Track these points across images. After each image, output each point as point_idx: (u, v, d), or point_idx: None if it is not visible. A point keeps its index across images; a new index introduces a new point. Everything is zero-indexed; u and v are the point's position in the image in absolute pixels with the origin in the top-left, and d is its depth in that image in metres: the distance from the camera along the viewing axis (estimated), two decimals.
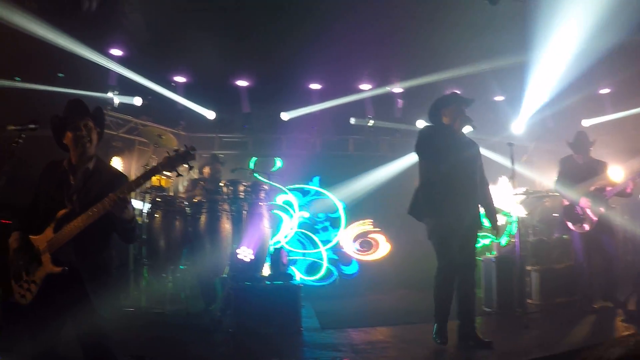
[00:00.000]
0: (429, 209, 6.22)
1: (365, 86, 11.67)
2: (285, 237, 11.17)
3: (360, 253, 11.68)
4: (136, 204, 8.92)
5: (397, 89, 11.59)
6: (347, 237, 11.70)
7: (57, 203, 3.95)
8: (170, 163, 3.95)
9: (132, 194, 3.98)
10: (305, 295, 7.67)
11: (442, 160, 6.10)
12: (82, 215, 3.78)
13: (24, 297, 3.85)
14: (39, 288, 3.82)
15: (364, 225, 11.72)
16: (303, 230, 11.62)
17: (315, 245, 11.53)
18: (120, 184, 3.96)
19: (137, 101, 10.70)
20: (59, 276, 3.77)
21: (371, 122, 12.11)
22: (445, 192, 6.07)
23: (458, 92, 6.71)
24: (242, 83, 11.40)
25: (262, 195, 8.73)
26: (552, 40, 8.93)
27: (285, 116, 11.83)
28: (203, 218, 8.23)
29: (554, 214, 9.85)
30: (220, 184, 8.74)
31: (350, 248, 11.63)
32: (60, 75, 9.32)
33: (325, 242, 11.57)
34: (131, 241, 4.33)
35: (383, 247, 11.69)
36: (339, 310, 8.91)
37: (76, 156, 4.10)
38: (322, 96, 11.60)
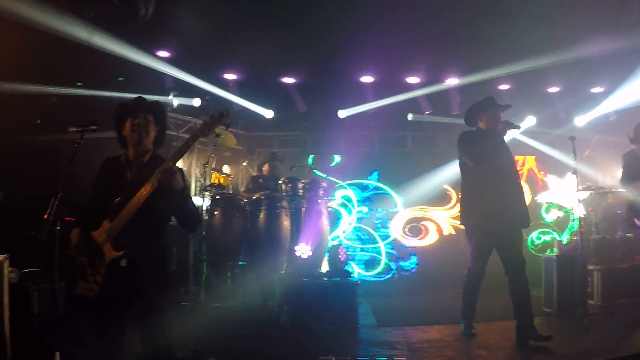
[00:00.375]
0: (474, 212, 6.38)
1: (421, 81, 11.52)
2: (344, 232, 11.23)
3: (408, 238, 11.77)
4: (196, 200, 9.13)
5: (453, 82, 11.39)
6: (399, 220, 11.79)
7: (114, 197, 3.99)
8: (207, 126, 4.01)
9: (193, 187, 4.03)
10: (362, 292, 7.69)
11: (487, 163, 6.22)
12: (134, 197, 3.84)
13: (91, 290, 3.91)
14: (104, 278, 3.86)
15: (421, 211, 11.76)
16: (362, 226, 11.67)
17: (374, 241, 11.56)
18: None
19: (196, 102, 10.94)
20: (121, 268, 3.84)
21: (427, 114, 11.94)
22: (491, 195, 6.18)
23: (493, 96, 6.70)
24: (297, 81, 11.41)
25: (321, 192, 8.79)
26: (611, 29, 8.66)
27: (342, 114, 11.83)
28: (262, 215, 8.34)
29: (617, 211, 9.55)
30: (279, 181, 8.83)
31: (398, 231, 11.72)
32: (121, 79, 9.56)
33: (384, 237, 11.59)
34: (193, 225, 4.29)
35: (432, 236, 11.83)
36: (396, 307, 8.90)
37: (132, 148, 4.17)
38: (378, 93, 11.53)
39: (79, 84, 9.08)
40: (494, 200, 6.15)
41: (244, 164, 11.71)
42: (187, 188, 4.05)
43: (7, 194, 7.37)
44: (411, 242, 11.74)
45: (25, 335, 6.08)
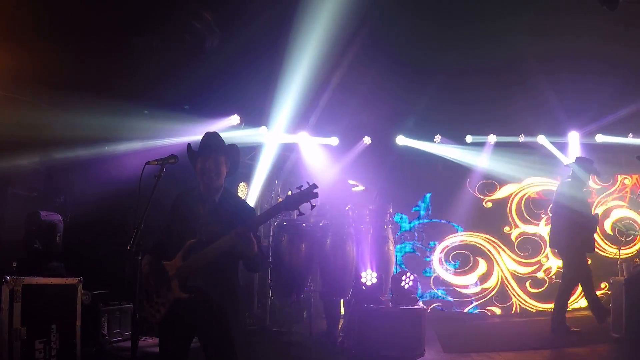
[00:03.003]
0: None
1: None
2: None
3: (452, 271, 11.39)
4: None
5: None
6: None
7: (188, 231, 4.15)
8: (293, 201, 3.97)
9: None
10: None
11: None
12: (209, 248, 3.98)
13: (154, 316, 4.11)
14: (167, 310, 4.04)
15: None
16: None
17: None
18: (247, 217, 4.13)
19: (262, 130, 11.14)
20: (188, 301, 3.99)
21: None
22: None
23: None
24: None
25: (388, 218, 8.85)
26: None
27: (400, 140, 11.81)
28: (329, 241, 8.43)
29: None
30: (346, 207, 8.92)
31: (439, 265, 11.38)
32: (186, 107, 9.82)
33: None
34: (255, 271, 4.51)
35: (482, 267, 11.40)
36: (461, 332, 8.84)
37: (204, 186, 4.30)
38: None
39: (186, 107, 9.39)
40: None
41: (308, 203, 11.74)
42: (259, 254, 4.13)
43: (76, 216, 7.66)
44: (456, 278, 11.30)
45: (96, 356, 6.35)
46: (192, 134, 8.89)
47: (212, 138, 4.36)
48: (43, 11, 6.99)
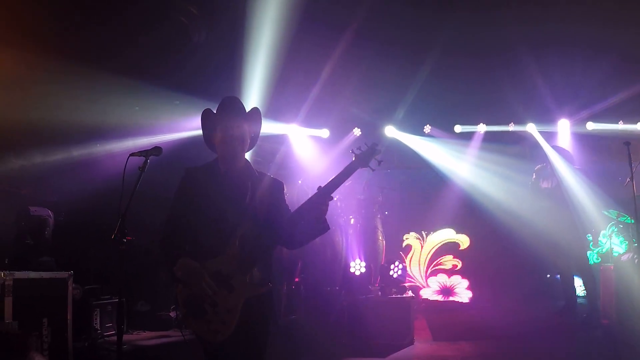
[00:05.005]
0: None
1: None
2: None
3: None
4: None
5: None
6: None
7: (223, 211, 3.47)
8: (363, 159, 3.43)
9: None
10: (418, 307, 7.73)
11: None
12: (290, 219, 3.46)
13: (217, 332, 3.31)
14: (239, 316, 3.31)
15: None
16: None
17: None
18: (279, 189, 3.69)
19: None
20: (255, 302, 3.37)
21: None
22: None
23: None
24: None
25: (377, 208, 8.86)
26: None
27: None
28: None
29: None
30: (334, 198, 8.92)
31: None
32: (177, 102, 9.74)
33: None
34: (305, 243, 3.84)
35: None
36: (451, 322, 8.86)
37: (227, 160, 3.62)
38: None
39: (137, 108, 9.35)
40: None
41: (300, 182, 11.82)
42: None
43: (69, 215, 7.67)
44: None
45: (88, 350, 6.39)
46: (183, 129, 9.11)
47: (233, 102, 3.70)
48: None
